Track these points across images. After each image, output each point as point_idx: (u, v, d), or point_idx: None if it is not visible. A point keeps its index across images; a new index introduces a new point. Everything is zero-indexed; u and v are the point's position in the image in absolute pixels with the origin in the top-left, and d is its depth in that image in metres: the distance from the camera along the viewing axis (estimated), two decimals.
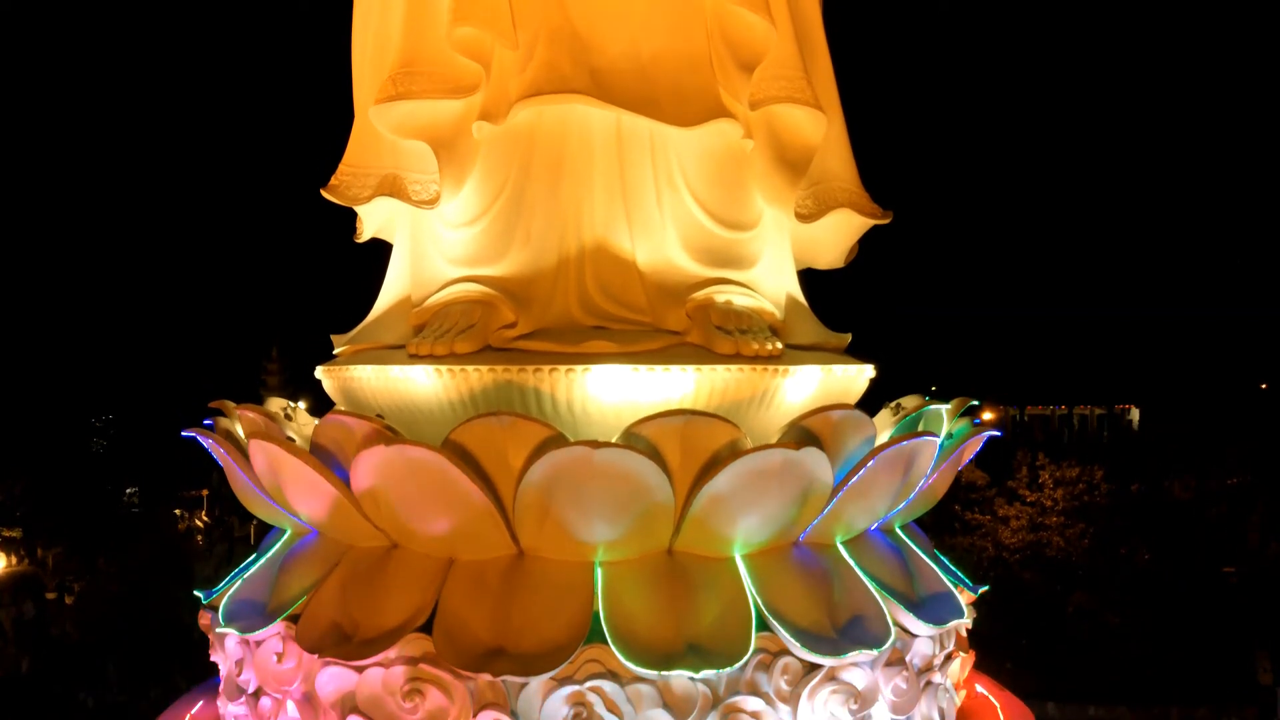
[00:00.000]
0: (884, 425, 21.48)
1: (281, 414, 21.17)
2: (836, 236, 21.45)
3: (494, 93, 18.69)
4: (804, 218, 20.24)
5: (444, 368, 16.93)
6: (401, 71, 18.96)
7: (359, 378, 18.19)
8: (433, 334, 17.85)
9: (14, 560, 65.25)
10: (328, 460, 16.11)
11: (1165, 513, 50.70)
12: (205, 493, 75.09)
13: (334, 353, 20.64)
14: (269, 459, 16.50)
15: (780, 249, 20.44)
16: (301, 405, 22.26)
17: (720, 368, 16.97)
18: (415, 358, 17.53)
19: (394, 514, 15.66)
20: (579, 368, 16.47)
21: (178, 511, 72.81)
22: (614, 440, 14.97)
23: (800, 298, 20.90)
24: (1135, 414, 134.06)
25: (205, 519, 71.16)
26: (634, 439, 14.91)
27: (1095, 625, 43.08)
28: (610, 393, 16.56)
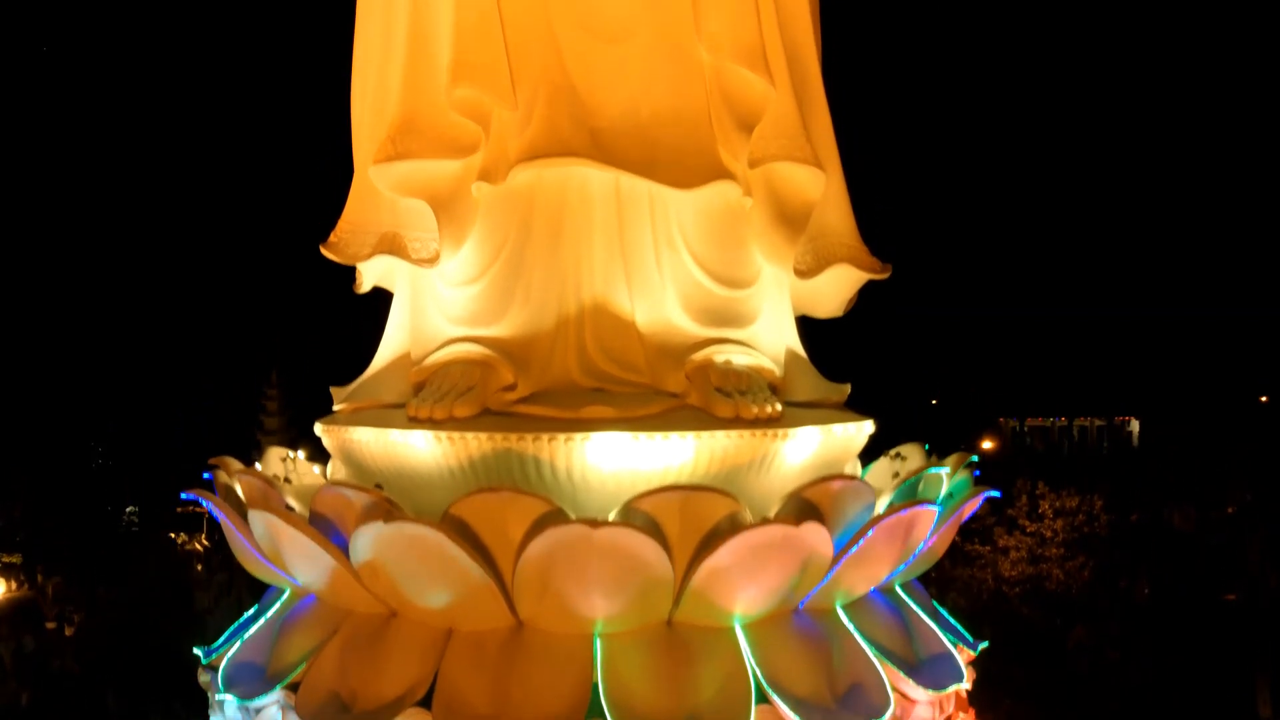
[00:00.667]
0: (883, 473, 21.52)
1: (281, 473, 21.24)
2: (835, 289, 21.46)
3: (493, 152, 18.73)
4: (803, 274, 20.23)
5: (443, 434, 16.91)
6: (400, 130, 18.99)
7: (359, 440, 18.18)
8: (432, 396, 17.85)
9: (13, 586, 65.17)
10: (327, 528, 16.13)
11: (1166, 543, 50.67)
12: (204, 512, 74.91)
13: (334, 408, 20.63)
14: (269, 528, 16.51)
15: (779, 303, 20.47)
16: (300, 455, 22.31)
17: (720, 433, 16.95)
18: (415, 421, 17.54)
19: (393, 586, 15.66)
20: (578, 435, 16.45)
21: (175, 535, 72.58)
22: (613, 514, 15.00)
23: (800, 350, 20.92)
24: (1135, 425, 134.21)
25: (205, 542, 70.99)
26: (633, 514, 14.92)
27: (1095, 660, 43.04)
28: (610, 461, 16.56)
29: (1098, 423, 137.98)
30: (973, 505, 19.15)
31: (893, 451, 21.76)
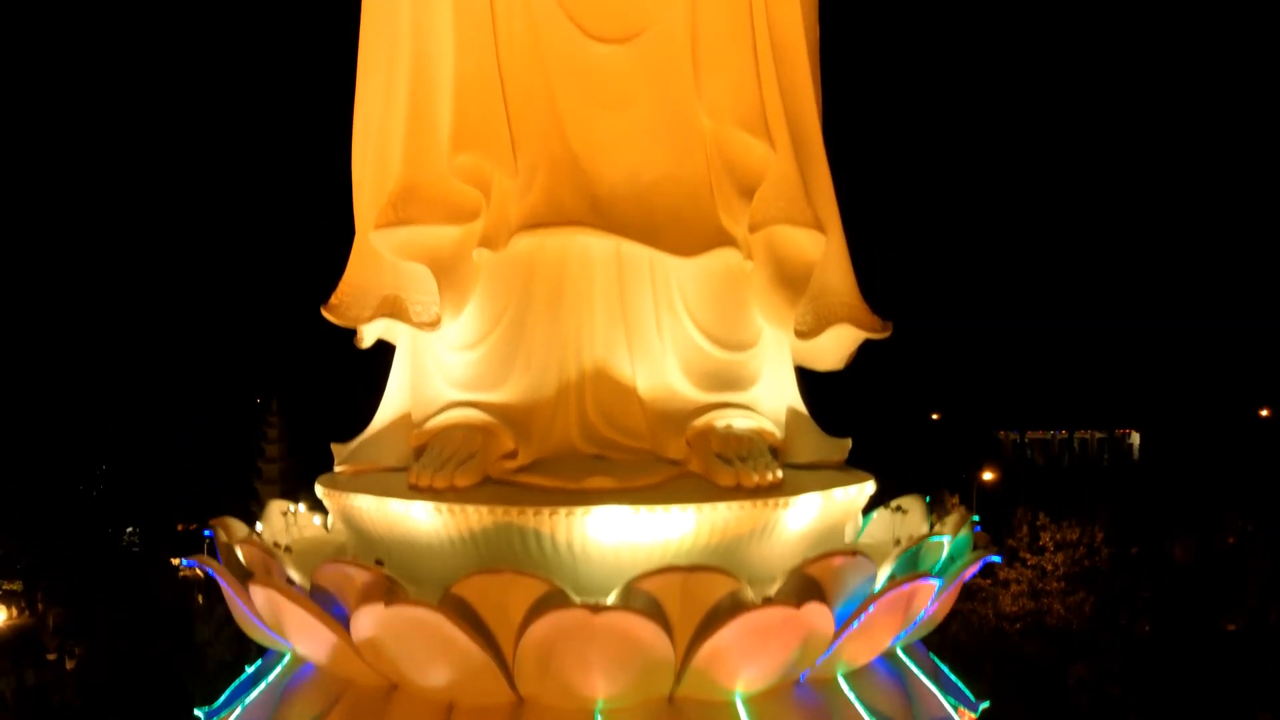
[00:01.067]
0: (883, 527, 21.54)
1: (283, 527, 21.28)
2: (836, 346, 21.43)
3: (494, 219, 18.76)
4: (803, 334, 20.22)
5: (444, 505, 16.89)
6: (402, 196, 19.04)
7: (361, 508, 18.15)
8: (433, 463, 17.84)
9: (14, 612, 64.99)
10: (328, 602, 16.12)
11: (1166, 576, 50.57)
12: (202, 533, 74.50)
13: (335, 467, 20.58)
14: (270, 602, 16.51)
15: (780, 362, 20.47)
16: (301, 508, 22.26)
17: (721, 505, 16.92)
18: (415, 489, 17.56)
19: (395, 664, 15.67)
20: (579, 510, 16.43)
21: (176, 562, 72.38)
22: (614, 595, 15.01)
23: (801, 407, 20.91)
24: (1136, 438, 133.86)
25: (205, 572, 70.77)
26: (634, 596, 14.91)
27: (1096, 696, 42.95)
28: (610, 534, 16.55)
29: (1098, 435, 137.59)
30: (974, 568, 19.12)
31: (894, 504, 21.72)
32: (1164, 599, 49.51)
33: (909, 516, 21.38)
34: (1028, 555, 51.94)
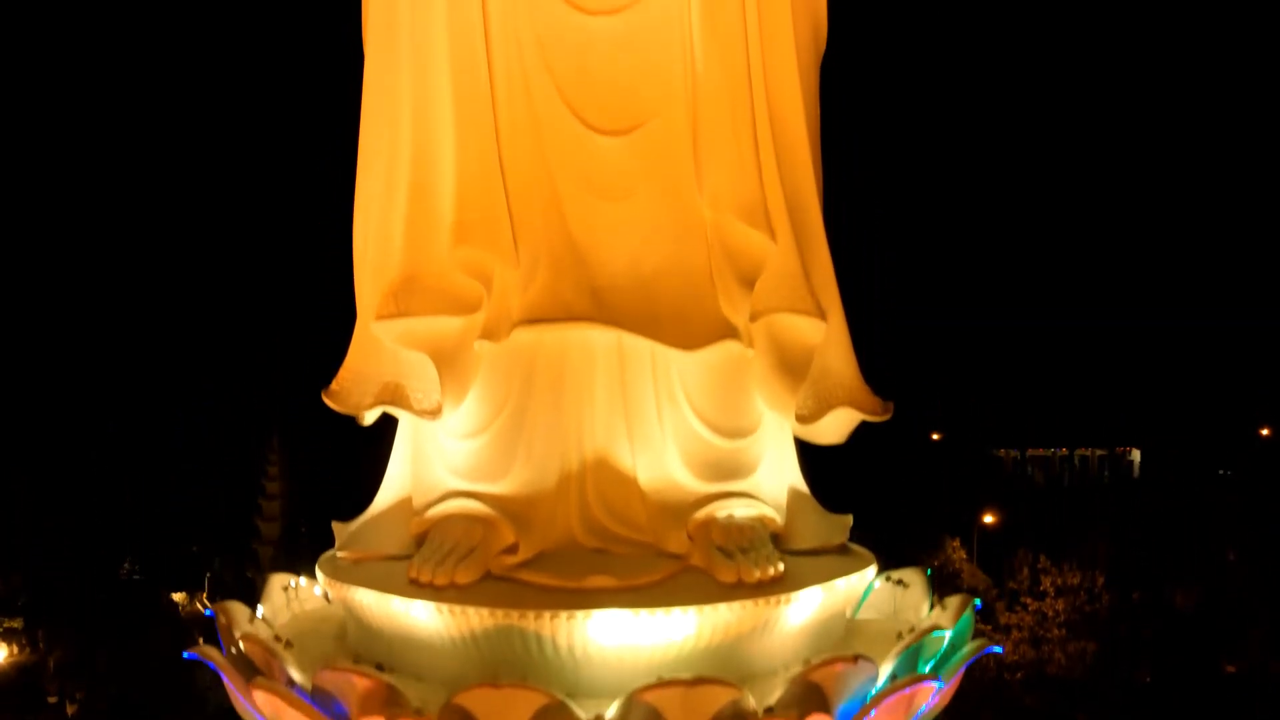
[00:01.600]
0: (883, 601, 21.47)
1: (284, 603, 21.27)
2: (836, 426, 21.42)
3: (496, 310, 18.82)
4: (804, 419, 20.27)
5: (445, 606, 16.91)
6: (403, 286, 19.09)
7: (363, 603, 18.16)
8: (433, 557, 17.84)
9: (15, 650, 65.01)
10: (328, 703, 16.13)
11: (1168, 623, 50.53)
12: (207, 575, 74.92)
13: (336, 551, 20.52)
14: (272, 705, 16.52)
15: (781, 443, 20.51)
16: (303, 581, 22.25)
17: (722, 606, 16.91)
18: (416, 584, 17.59)
19: None
20: (580, 613, 16.43)
21: (177, 597, 72.45)
22: (614, 709, 15.02)
23: (802, 485, 20.92)
24: (1136, 455, 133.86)
25: (207, 603, 70.82)
26: (635, 708, 14.94)
27: None
28: (612, 637, 16.56)
29: (1099, 453, 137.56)
30: (976, 655, 19.12)
31: (895, 576, 21.71)
32: (1166, 647, 49.39)
33: (910, 591, 21.38)
34: (1029, 600, 51.94)
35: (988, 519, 62.20)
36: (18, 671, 60.46)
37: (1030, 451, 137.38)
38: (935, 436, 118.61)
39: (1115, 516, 74.32)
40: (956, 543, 56.29)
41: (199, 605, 71.79)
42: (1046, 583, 51.96)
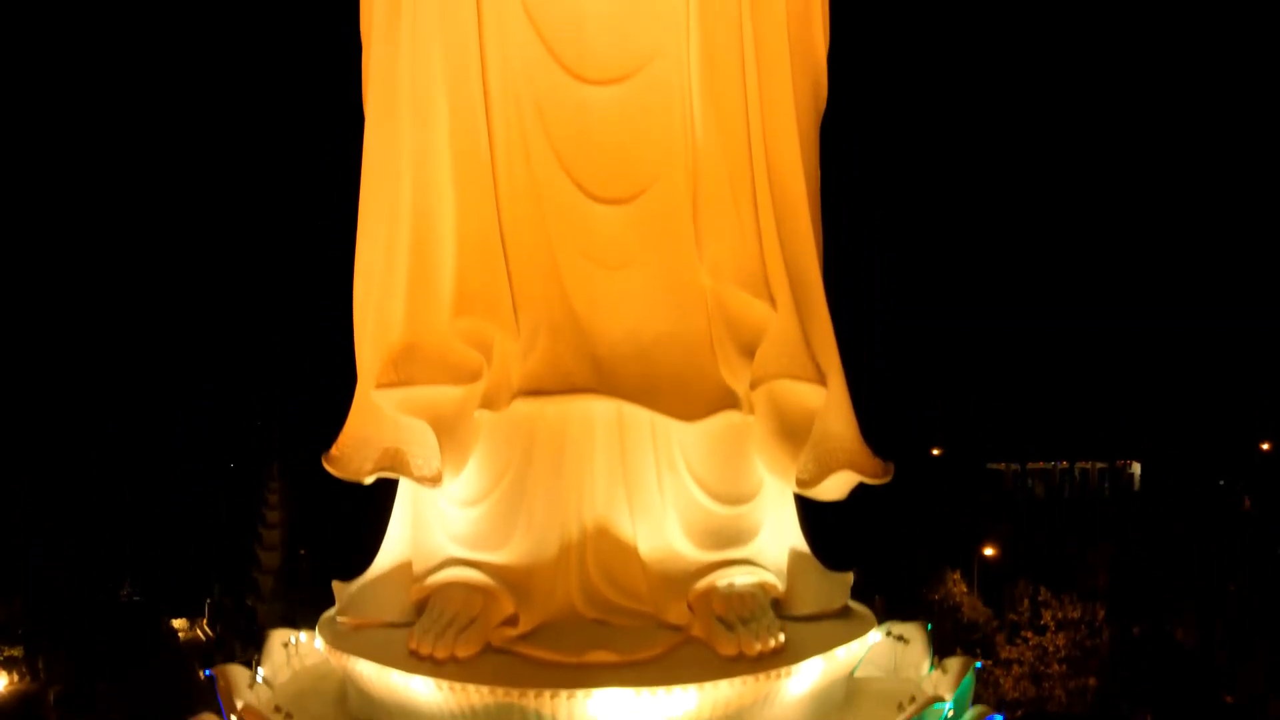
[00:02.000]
0: (883, 657, 21.44)
1: (284, 661, 21.25)
2: (836, 487, 21.38)
3: (496, 379, 18.81)
4: (804, 484, 20.18)
5: (444, 682, 16.91)
6: (403, 355, 19.08)
7: (363, 675, 18.17)
8: (434, 628, 17.82)
9: (15, 678, 64.85)
10: None
11: (1169, 658, 50.34)
12: (207, 601, 74.75)
13: (336, 616, 20.47)
14: None
15: (782, 504, 20.45)
16: (304, 637, 22.22)
17: (723, 682, 16.92)
18: (416, 655, 17.59)
19: None
20: (580, 692, 16.43)
21: (177, 624, 72.39)
22: None
23: (802, 546, 20.84)
24: (1137, 468, 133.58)
25: (207, 630, 70.82)
26: None
27: None
28: (612, 715, 16.55)
29: (1099, 466, 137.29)
30: None
31: (896, 631, 21.71)
32: (1166, 682, 49.17)
33: (910, 648, 21.37)
34: (1029, 634, 51.75)
35: (988, 551, 62.05)
36: (18, 700, 60.28)
37: (1031, 465, 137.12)
38: (935, 452, 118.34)
39: (1116, 535, 74.02)
40: (957, 575, 56.10)
41: (199, 632, 71.76)
42: (1047, 616, 51.82)
